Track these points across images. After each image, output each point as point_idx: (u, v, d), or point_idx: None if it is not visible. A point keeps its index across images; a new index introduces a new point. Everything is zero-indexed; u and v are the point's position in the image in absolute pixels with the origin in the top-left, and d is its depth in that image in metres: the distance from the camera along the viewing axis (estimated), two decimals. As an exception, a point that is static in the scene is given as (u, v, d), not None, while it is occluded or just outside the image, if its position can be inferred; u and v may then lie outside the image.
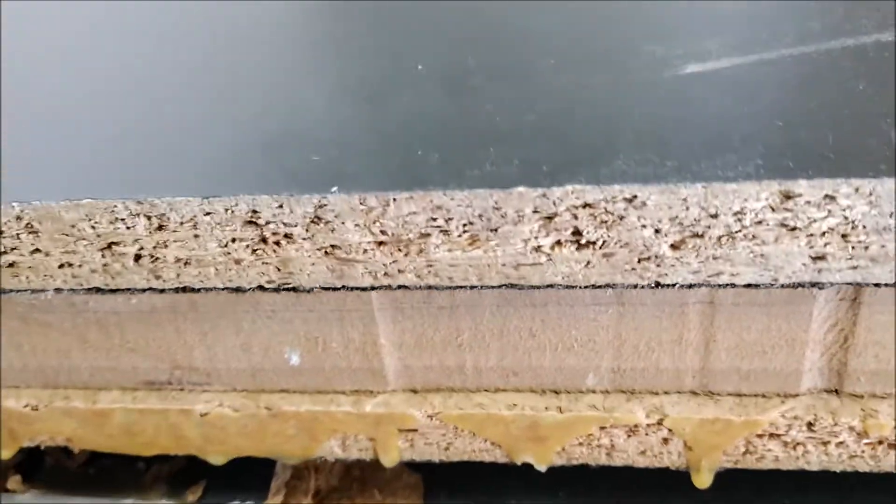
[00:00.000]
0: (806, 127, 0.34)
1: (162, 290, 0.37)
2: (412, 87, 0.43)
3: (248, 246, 0.35)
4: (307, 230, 0.34)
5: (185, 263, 0.36)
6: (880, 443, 0.37)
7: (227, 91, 0.46)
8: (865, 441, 0.37)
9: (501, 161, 0.34)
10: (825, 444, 0.38)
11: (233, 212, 0.34)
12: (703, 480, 0.39)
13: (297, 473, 0.49)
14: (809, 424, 0.37)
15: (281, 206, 0.34)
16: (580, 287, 0.35)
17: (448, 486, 0.47)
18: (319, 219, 0.34)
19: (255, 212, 0.34)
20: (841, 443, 0.38)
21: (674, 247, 0.33)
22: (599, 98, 0.39)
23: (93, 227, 0.35)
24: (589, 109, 0.38)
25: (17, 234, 0.36)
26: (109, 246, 0.36)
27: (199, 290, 0.37)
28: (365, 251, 0.34)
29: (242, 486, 0.48)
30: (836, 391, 0.38)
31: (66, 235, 0.36)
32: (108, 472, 0.50)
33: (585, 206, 0.32)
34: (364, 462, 0.47)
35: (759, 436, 0.38)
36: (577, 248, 0.33)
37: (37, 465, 0.51)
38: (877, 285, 0.34)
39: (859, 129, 0.34)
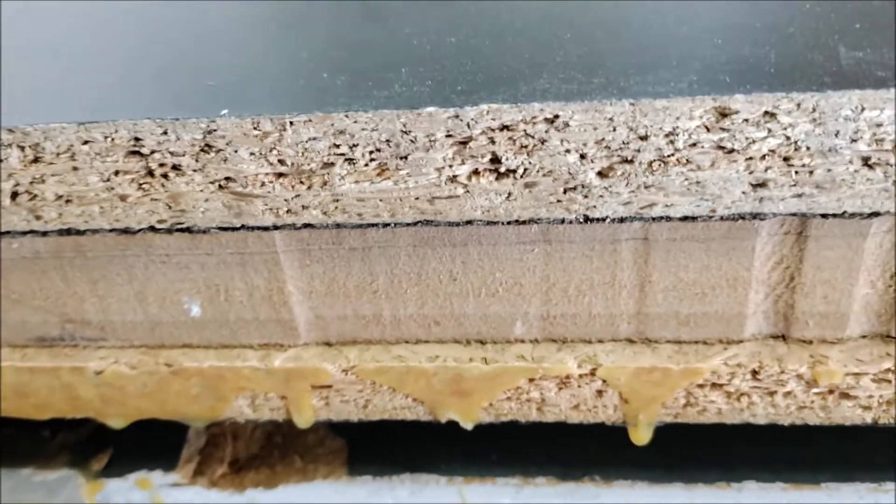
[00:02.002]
0: (747, 44, 0.32)
1: (45, 234, 0.35)
2: (328, 13, 0.40)
3: (133, 180, 0.32)
4: (197, 160, 0.31)
5: (67, 201, 0.33)
6: (831, 392, 0.35)
7: (121, 21, 0.43)
8: (815, 390, 0.35)
9: (413, 82, 0.32)
10: (772, 394, 0.36)
11: (113, 139, 0.31)
12: (640, 436, 0.37)
13: (214, 440, 0.46)
14: (754, 372, 0.35)
15: (166, 133, 0.31)
16: (502, 223, 0.32)
17: (374, 451, 0.45)
18: (210, 147, 0.31)
19: (137, 139, 0.31)
20: (789, 392, 0.35)
21: (601, 174, 0.30)
22: (529, 20, 0.37)
23: (-39, 162, 0.32)
24: (516, 32, 0.36)
25: None
26: (-19, 182, 0.33)
27: (84, 232, 0.34)
28: (263, 184, 0.32)
29: (153, 455, 0.46)
30: (783, 336, 0.35)
31: (-66, 172, 0.33)
32: (9, 441, 0.47)
33: (503, 128, 0.30)
34: (286, 428, 0.45)
35: (701, 386, 0.36)
36: (497, 178, 0.31)
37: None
38: (824, 216, 0.31)
39: (804, 45, 0.32)
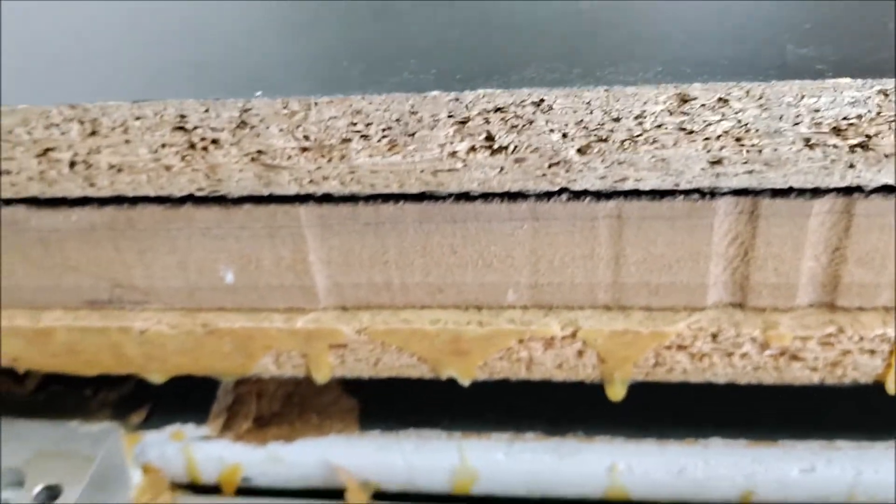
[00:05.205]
0: (709, 42, 0.35)
1: (98, 201, 0.37)
2: (343, 15, 0.43)
3: (177, 152, 0.35)
4: (233, 135, 0.34)
5: (118, 170, 0.36)
6: (782, 354, 0.37)
7: (167, 19, 0.46)
8: (768, 352, 0.37)
9: (420, 71, 0.34)
10: (729, 355, 0.38)
11: (162, 116, 0.34)
12: (616, 392, 0.39)
13: (240, 399, 0.49)
14: (714, 336, 0.37)
15: (207, 111, 0.33)
16: (496, 201, 0.35)
17: (384, 410, 0.47)
18: (245, 123, 0.34)
19: (182, 116, 0.34)
20: (744, 354, 0.38)
21: (580, 151, 0.33)
22: (520, 20, 0.40)
23: (29, 133, 0.35)
24: (509, 29, 0.39)
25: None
26: (45, 152, 0.36)
27: (133, 199, 0.37)
28: (290, 157, 0.34)
29: (186, 411, 0.48)
30: (741, 305, 0.38)
31: (5, 142, 0.35)
32: (58, 397, 0.50)
33: (496, 110, 0.32)
34: (305, 389, 0.47)
35: (668, 347, 0.38)
36: (491, 154, 0.33)
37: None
38: (773, 197, 0.34)
39: (758, 43, 0.34)
